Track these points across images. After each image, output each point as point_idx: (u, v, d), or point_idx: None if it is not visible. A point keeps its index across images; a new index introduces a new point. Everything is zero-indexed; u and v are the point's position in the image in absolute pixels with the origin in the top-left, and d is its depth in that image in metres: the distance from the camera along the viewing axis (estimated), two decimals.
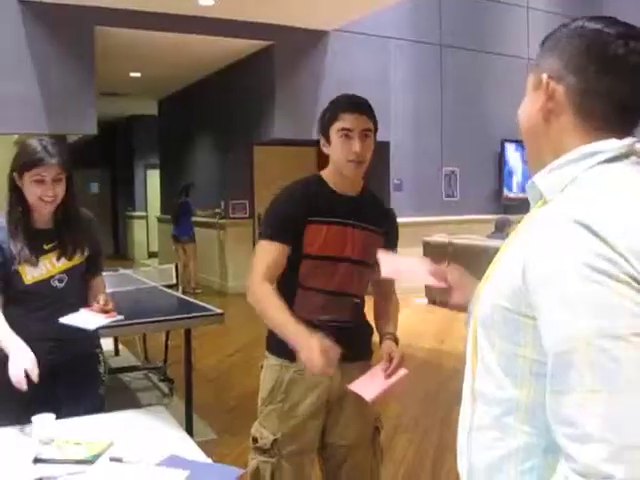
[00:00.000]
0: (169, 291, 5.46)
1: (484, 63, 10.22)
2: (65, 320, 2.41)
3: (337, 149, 2.28)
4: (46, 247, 2.51)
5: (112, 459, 1.95)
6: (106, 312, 2.47)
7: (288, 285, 2.29)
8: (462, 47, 9.91)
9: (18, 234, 2.47)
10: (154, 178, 15.13)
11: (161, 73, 10.59)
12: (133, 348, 6.22)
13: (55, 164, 2.42)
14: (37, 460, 1.94)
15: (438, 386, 5.26)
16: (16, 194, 2.47)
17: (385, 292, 2.46)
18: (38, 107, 7.16)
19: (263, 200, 10.56)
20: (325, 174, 2.40)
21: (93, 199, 16.83)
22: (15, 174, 2.45)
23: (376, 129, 2.34)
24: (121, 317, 2.57)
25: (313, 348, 1.95)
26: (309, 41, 8.79)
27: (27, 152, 2.44)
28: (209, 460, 1.99)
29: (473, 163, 10.22)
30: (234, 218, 10.43)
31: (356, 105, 2.30)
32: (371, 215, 2.36)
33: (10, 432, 2.19)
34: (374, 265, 2.20)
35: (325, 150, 2.37)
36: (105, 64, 8.28)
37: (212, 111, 10.92)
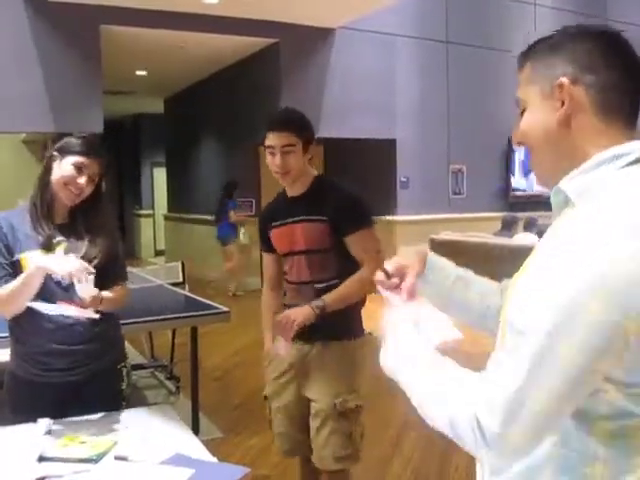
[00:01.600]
0: (175, 289, 5.46)
1: (491, 60, 10.17)
2: (60, 310, 2.26)
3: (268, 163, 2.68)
4: (54, 240, 2.40)
5: (117, 458, 1.95)
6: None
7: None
8: (468, 44, 9.88)
9: (34, 219, 2.38)
10: (161, 176, 15.15)
11: (167, 71, 10.60)
12: (140, 346, 6.22)
13: (98, 162, 2.43)
14: (42, 458, 1.94)
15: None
16: (47, 178, 2.39)
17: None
18: (44, 106, 7.17)
19: (270, 198, 10.54)
20: None
21: None
22: (55, 153, 2.39)
23: (306, 141, 2.64)
24: (95, 316, 2.26)
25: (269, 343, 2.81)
26: (314, 39, 8.77)
27: (75, 142, 2.41)
28: (214, 459, 1.98)
29: (480, 160, 10.19)
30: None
31: (276, 124, 2.64)
32: (313, 207, 2.64)
33: (15, 430, 2.19)
34: (323, 250, 2.62)
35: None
36: (111, 62, 8.28)
37: (218, 109, 10.92)
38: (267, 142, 2.64)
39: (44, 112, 7.16)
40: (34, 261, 2.25)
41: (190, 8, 7.59)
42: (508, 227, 8.44)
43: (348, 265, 2.61)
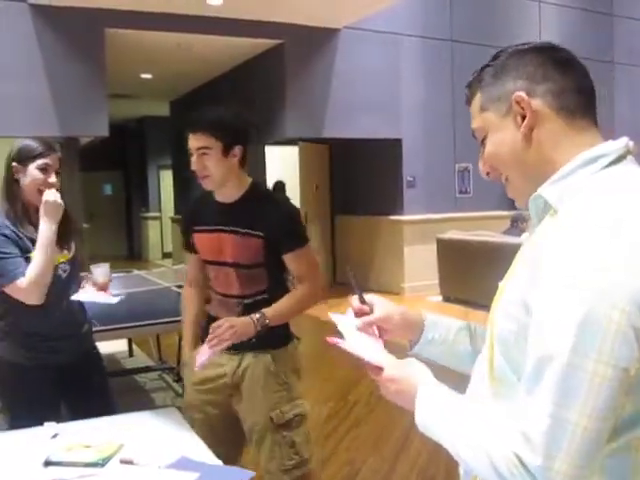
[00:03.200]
0: (182, 291, 5.45)
1: None
2: (78, 297, 2.61)
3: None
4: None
5: (122, 461, 1.95)
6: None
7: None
8: (474, 42, 9.84)
9: (24, 222, 2.50)
10: (167, 179, 15.17)
11: (172, 74, 10.61)
12: (147, 349, 6.23)
13: (57, 157, 2.56)
14: (48, 463, 1.94)
15: (453, 385, 5.20)
16: (15, 190, 2.51)
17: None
18: (49, 110, 7.18)
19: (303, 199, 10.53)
20: None
21: (107, 201, 16.92)
22: (15, 164, 2.49)
23: (228, 143, 2.46)
24: (116, 299, 2.72)
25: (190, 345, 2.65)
26: (319, 39, 8.76)
27: (31, 145, 2.52)
28: (219, 462, 1.98)
29: None
30: None
31: (190, 126, 2.53)
32: (247, 219, 2.46)
33: (21, 434, 2.19)
34: (254, 266, 2.46)
35: None
36: (116, 66, 8.30)
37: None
38: (188, 145, 2.55)
39: (49, 116, 7.18)
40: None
41: (194, 10, 7.59)
42: (516, 225, 8.42)
43: (279, 279, 2.55)
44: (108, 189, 17.10)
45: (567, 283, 0.95)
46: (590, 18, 11.37)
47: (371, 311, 1.42)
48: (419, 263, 9.40)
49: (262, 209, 2.49)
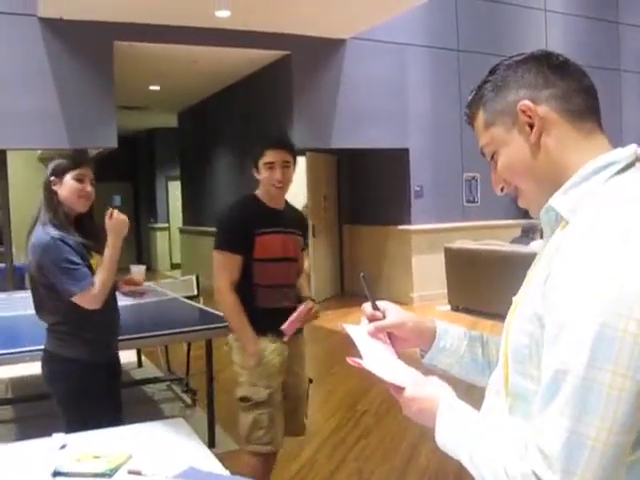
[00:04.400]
0: (190, 302, 5.48)
1: None
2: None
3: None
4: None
5: (130, 472, 1.95)
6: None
7: (245, 285, 3.06)
8: (480, 51, 9.86)
9: (70, 229, 2.75)
10: (175, 190, 15.24)
11: (180, 86, 10.67)
12: (156, 359, 6.25)
13: (90, 167, 2.83)
14: (56, 473, 1.95)
15: (462, 394, 5.18)
16: (55, 201, 2.75)
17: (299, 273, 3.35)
18: (59, 122, 7.24)
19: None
20: (259, 194, 3.16)
21: None
22: (53, 178, 2.75)
23: (295, 161, 3.14)
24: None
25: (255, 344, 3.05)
26: (326, 50, 8.80)
27: (66, 159, 2.80)
28: (227, 472, 1.98)
29: None
30: None
31: (276, 142, 3.13)
32: (293, 223, 3.22)
33: (30, 445, 2.21)
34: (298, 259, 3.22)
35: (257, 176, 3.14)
36: (124, 78, 8.35)
37: (231, 122, 10.97)
38: (267, 159, 3.05)
39: (59, 129, 7.23)
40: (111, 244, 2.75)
41: (202, 22, 7.64)
42: (526, 234, 8.40)
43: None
44: (117, 200, 17.17)
45: (580, 294, 0.93)
46: (596, 26, 11.37)
47: (384, 317, 1.41)
48: (427, 272, 9.39)
49: (296, 214, 3.37)
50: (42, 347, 3.50)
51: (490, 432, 1.08)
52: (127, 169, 16.80)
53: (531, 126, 1.11)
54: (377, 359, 1.36)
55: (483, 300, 8.13)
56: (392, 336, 1.42)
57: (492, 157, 1.20)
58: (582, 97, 1.12)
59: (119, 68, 7.69)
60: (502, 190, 1.22)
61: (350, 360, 1.32)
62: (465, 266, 8.72)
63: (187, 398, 5.35)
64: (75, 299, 2.65)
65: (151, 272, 15.15)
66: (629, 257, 0.92)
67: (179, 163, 14.37)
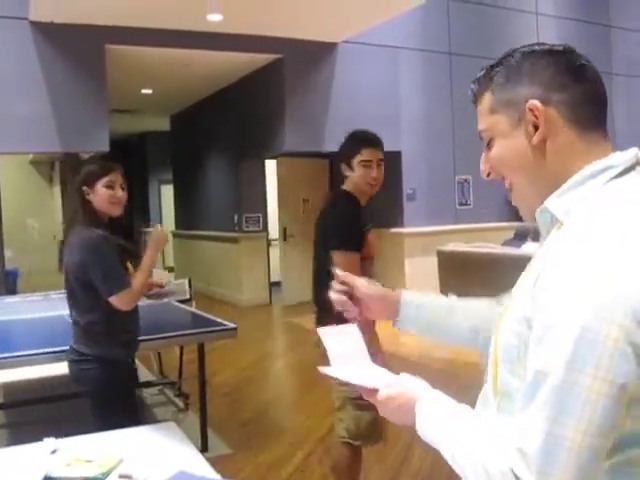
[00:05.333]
0: (182, 306, 5.46)
1: None
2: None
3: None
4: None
5: (121, 476, 1.95)
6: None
7: None
8: (472, 55, 9.88)
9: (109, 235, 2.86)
10: (168, 193, 15.21)
11: (172, 89, 10.66)
12: (148, 363, 6.23)
13: (120, 172, 2.95)
14: (47, 478, 1.94)
15: (454, 397, 5.19)
16: (91, 209, 2.87)
17: None
18: (51, 126, 7.22)
19: (277, 213, 10.59)
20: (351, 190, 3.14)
21: None
22: (85, 188, 2.85)
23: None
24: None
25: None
26: (318, 53, 8.81)
27: (94, 168, 2.91)
28: (218, 476, 1.98)
29: None
30: (248, 232, 10.46)
31: (372, 140, 3.17)
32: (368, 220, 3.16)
33: (21, 450, 2.20)
34: None
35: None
36: (116, 81, 8.34)
37: (224, 125, 10.97)
38: (364, 157, 3.09)
39: (50, 132, 7.21)
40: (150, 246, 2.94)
41: (194, 26, 7.64)
42: (519, 237, 8.42)
43: None
44: None
45: (566, 297, 0.93)
46: (588, 29, 11.42)
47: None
48: (420, 275, 9.39)
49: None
50: (35, 352, 3.56)
51: (471, 427, 1.09)
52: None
53: (536, 127, 1.08)
54: (347, 362, 1.37)
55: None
56: (360, 302, 1.50)
57: (488, 143, 1.17)
58: (592, 107, 1.09)
59: (111, 71, 7.67)
60: (488, 175, 1.19)
61: (320, 369, 1.34)
62: (457, 268, 8.72)
63: (180, 402, 5.34)
64: (112, 299, 2.76)
65: None
66: (618, 263, 0.92)
67: (172, 167, 14.35)
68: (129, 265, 2.92)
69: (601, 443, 0.92)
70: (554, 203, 1.06)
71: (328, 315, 2.53)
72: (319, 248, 3.11)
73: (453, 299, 1.56)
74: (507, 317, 1.10)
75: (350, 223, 3.01)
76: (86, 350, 2.87)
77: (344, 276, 1.51)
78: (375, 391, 1.26)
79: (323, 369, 1.35)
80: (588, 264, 0.93)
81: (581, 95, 1.09)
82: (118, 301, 2.77)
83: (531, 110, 1.09)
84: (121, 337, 2.91)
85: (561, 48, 1.12)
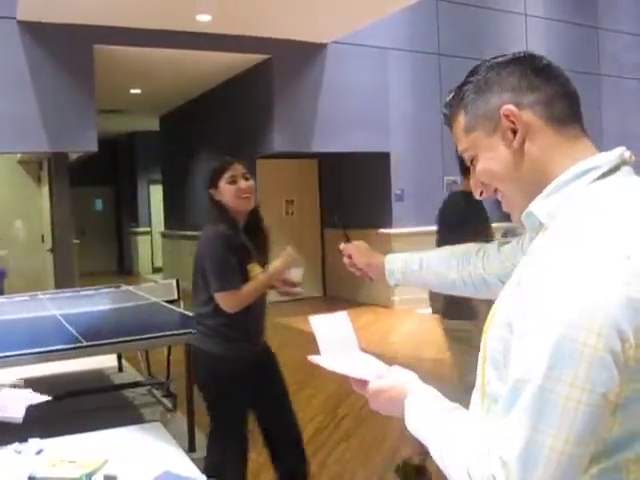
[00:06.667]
0: (170, 306, 5.46)
1: None
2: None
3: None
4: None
5: (106, 477, 1.95)
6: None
7: None
8: (460, 56, 9.92)
9: (238, 230, 2.92)
10: (157, 194, 15.18)
11: (161, 89, 10.65)
12: (137, 364, 6.22)
13: (241, 164, 2.97)
14: (31, 479, 1.93)
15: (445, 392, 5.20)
16: (223, 208, 2.92)
17: None
18: (38, 126, 7.20)
19: (265, 214, 10.58)
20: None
21: (97, 216, 16.91)
22: (212, 190, 2.93)
23: None
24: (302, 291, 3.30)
25: None
26: (307, 54, 8.81)
27: (214, 167, 3.00)
28: (203, 476, 1.98)
29: None
30: None
31: None
32: None
33: (4, 451, 2.19)
34: None
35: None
36: (105, 81, 8.32)
37: (213, 125, 10.96)
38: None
39: (38, 132, 7.19)
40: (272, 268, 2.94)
41: (183, 26, 7.64)
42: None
43: None
44: (99, 204, 17.09)
45: (544, 304, 0.93)
46: (576, 31, 11.48)
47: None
48: None
49: None
50: (22, 352, 3.53)
51: (458, 428, 1.09)
52: (108, 173, 16.72)
53: (514, 131, 1.09)
54: (338, 352, 1.37)
55: (464, 303, 8.15)
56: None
57: (472, 162, 1.17)
58: (566, 102, 1.10)
59: (99, 71, 7.66)
60: (481, 194, 1.19)
61: (310, 358, 1.34)
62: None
63: (168, 402, 5.32)
64: (217, 295, 2.81)
65: (133, 276, 15.09)
66: (594, 269, 0.91)
67: (161, 167, 14.33)
68: (255, 267, 2.91)
69: (581, 451, 0.92)
70: (539, 206, 1.06)
71: None
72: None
73: (428, 254, 1.79)
74: (493, 322, 1.10)
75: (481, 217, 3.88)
76: (198, 344, 2.97)
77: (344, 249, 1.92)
78: (365, 382, 1.26)
79: (313, 358, 1.35)
80: (567, 271, 0.93)
81: (552, 93, 1.09)
82: (222, 299, 2.81)
83: (506, 116, 1.09)
84: (229, 335, 2.90)
85: (522, 55, 1.14)
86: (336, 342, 1.40)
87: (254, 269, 2.90)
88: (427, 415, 1.16)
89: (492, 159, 1.12)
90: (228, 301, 2.82)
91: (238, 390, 2.91)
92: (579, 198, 1.02)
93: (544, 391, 0.91)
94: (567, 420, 0.90)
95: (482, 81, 1.13)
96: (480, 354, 1.16)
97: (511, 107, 1.08)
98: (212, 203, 2.96)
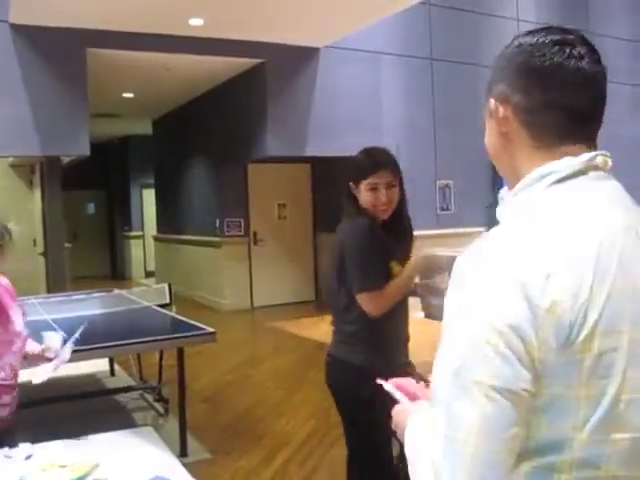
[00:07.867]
0: (162, 310, 5.45)
1: (475, 75, 10.25)
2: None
3: None
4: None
5: None
6: None
7: None
8: (453, 60, 9.96)
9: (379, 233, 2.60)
10: (150, 197, 15.15)
11: (154, 93, 10.63)
12: (129, 368, 6.20)
13: (389, 171, 2.60)
14: None
15: None
16: (356, 204, 2.63)
17: None
18: (31, 130, 7.18)
19: (258, 218, 10.60)
20: None
21: (90, 220, 16.87)
22: (351, 183, 2.63)
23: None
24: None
25: None
26: (300, 58, 8.82)
27: (361, 164, 2.65)
28: None
29: (467, 175, 10.23)
30: (229, 236, 10.44)
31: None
32: None
33: None
34: None
35: None
36: (98, 85, 8.31)
37: (206, 130, 10.96)
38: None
39: (30, 136, 7.17)
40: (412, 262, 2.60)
41: (176, 30, 7.63)
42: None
43: None
44: (91, 208, 17.04)
45: (460, 305, 0.97)
46: None
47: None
48: None
49: None
50: None
51: (423, 438, 1.09)
52: (101, 177, 16.68)
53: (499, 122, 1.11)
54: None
55: None
56: None
57: None
58: (553, 113, 1.04)
59: (92, 75, 7.64)
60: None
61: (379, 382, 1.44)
62: (435, 273, 8.74)
63: (159, 407, 5.31)
64: (358, 297, 2.50)
65: (125, 280, 15.06)
66: (503, 276, 0.94)
67: (153, 171, 14.30)
68: (396, 266, 2.61)
69: (497, 447, 0.92)
70: (502, 206, 1.10)
71: None
72: None
73: None
74: None
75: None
76: (337, 353, 2.66)
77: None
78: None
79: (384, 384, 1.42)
80: (477, 277, 0.96)
81: (542, 101, 1.05)
82: (364, 301, 2.50)
83: (495, 107, 1.11)
84: (377, 342, 2.59)
85: (548, 41, 1.05)
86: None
87: (395, 267, 2.62)
88: (410, 431, 1.16)
89: (487, 136, 1.16)
90: (372, 302, 2.50)
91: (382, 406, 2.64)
92: (532, 203, 1.03)
93: (455, 389, 0.94)
94: (477, 418, 0.91)
95: (499, 61, 1.13)
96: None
97: (495, 101, 1.10)
98: (348, 196, 2.68)
